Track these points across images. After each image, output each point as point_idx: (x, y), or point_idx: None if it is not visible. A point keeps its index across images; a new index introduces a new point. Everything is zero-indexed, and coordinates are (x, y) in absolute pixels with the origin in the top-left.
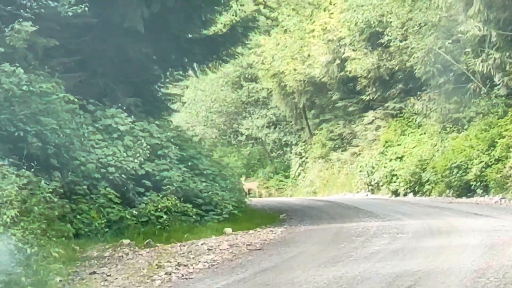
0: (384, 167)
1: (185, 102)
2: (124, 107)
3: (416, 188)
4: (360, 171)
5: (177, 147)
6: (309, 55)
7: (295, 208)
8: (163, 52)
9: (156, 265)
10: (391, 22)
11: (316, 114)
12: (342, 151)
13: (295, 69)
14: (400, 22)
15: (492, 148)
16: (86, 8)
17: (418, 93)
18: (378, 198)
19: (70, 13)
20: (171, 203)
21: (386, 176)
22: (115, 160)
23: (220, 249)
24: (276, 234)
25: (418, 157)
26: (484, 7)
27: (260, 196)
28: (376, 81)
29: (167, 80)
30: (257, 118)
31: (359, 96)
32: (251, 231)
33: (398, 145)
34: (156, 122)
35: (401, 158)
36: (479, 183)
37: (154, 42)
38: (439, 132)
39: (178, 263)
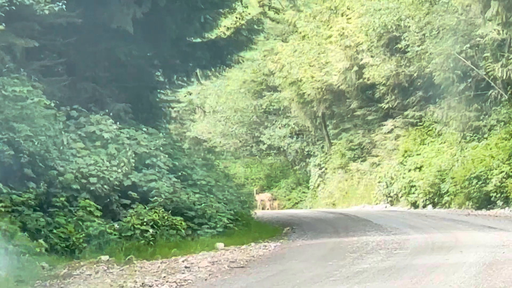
0: (403, 177)
1: (206, 112)
2: (111, 114)
3: (435, 200)
4: (379, 182)
5: (167, 156)
6: (326, 62)
7: (304, 221)
8: (161, 56)
9: (120, 285)
10: (409, 26)
11: (336, 124)
12: (361, 161)
13: (312, 77)
14: (418, 27)
15: None
16: (64, 7)
17: (437, 100)
18: (395, 210)
19: (47, 11)
20: (159, 216)
21: (405, 187)
22: (97, 170)
23: (199, 267)
24: (268, 250)
25: (437, 167)
26: (503, 9)
27: (273, 208)
28: (395, 89)
29: (167, 86)
30: (279, 128)
31: (378, 104)
32: (244, 246)
33: (417, 154)
34: (148, 129)
35: (420, 168)
36: (499, 195)
37: (149, 45)
38: (459, 141)
39: (143, 283)
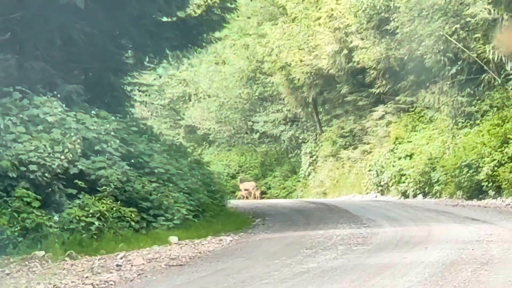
0: (393, 166)
1: (199, 96)
2: (62, 96)
3: (426, 189)
4: (369, 171)
5: (118, 142)
6: (316, 45)
7: (282, 211)
8: (127, 36)
9: (28, 287)
10: (398, 7)
11: (327, 110)
12: (353, 149)
13: (301, 60)
14: (407, 7)
15: (505, 145)
16: None
17: (428, 84)
18: (383, 200)
19: None
20: (106, 207)
21: (395, 176)
22: (38, 157)
23: (131, 265)
24: (221, 245)
25: (428, 155)
26: None
27: (255, 197)
28: (386, 73)
29: (134, 68)
30: (273, 113)
31: (369, 90)
32: (198, 241)
33: (408, 142)
34: (100, 112)
35: (410, 156)
36: (491, 184)
37: (108, 22)
38: (451, 128)
39: (54, 285)
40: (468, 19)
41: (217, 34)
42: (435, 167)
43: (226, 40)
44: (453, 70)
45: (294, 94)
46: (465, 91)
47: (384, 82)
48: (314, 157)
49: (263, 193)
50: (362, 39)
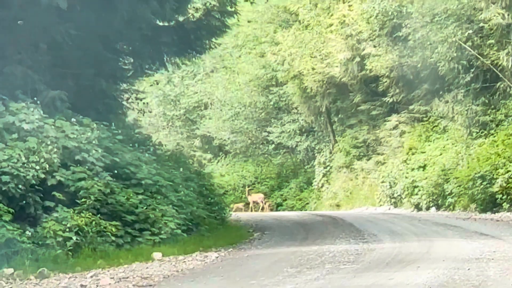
0: (406, 177)
1: (215, 106)
2: (44, 102)
3: (439, 202)
4: (382, 182)
5: (100, 151)
6: (328, 53)
7: (284, 225)
8: (117, 40)
9: None
10: (411, 12)
11: (341, 119)
12: (366, 159)
13: (313, 69)
14: (420, 13)
15: None
16: None
17: (441, 93)
18: (394, 213)
19: None
20: (85, 220)
21: (408, 187)
22: (11, 167)
23: (97, 286)
24: (205, 262)
25: (441, 166)
26: None
27: (263, 209)
28: (399, 81)
29: (129, 74)
30: (288, 123)
31: (382, 98)
32: (182, 257)
33: (422, 152)
34: (83, 119)
35: (423, 167)
36: (505, 196)
37: (97, 25)
38: (465, 138)
39: None
40: (481, 24)
41: (219, 39)
42: (449, 178)
43: (243, 49)
44: (467, 78)
45: (307, 104)
46: (479, 99)
47: (397, 90)
48: (328, 168)
49: (278, 205)
50: (374, 46)
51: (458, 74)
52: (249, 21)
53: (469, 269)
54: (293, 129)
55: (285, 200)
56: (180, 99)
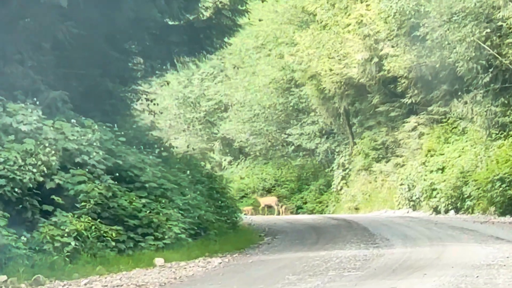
0: (424, 180)
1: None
2: (45, 103)
3: (458, 205)
4: (401, 185)
5: (101, 153)
6: (346, 54)
7: (298, 229)
8: (124, 40)
9: None
10: (428, 12)
11: (360, 121)
12: (385, 162)
13: (331, 69)
14: (438, 12)
15: None
16: None
17: (460, 94)
18: (412, 216)
19: None
20: (85, 225)
21: (426, 190)
22: (7, 170)
23: None
24: (206, 268)
25: (460, 169)
26: None
27: (279, 213)
28: (418, 82)
29: (137, 74)
30: (308, 124)
31: (401, 100)
32: (184, 263)
33: (441, 154)
34: (85, 121)
35: (442, 169)
36: None
37: (101, 24)
38: (484, 139)
39: None
40: (500, 23)
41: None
42: (468, 181)
43: (262, 50)
44: (486, 79)
45: (325, 105)
46: (499, 100)
47: (416, 91)
48: (347, 170)
49: (298, 208)
50: (392, 46)
51: (477, 75)
52: (260, 20)
53: (477, 276)
54: (312, 131)
55: (305, 203)
56: (200, 101)
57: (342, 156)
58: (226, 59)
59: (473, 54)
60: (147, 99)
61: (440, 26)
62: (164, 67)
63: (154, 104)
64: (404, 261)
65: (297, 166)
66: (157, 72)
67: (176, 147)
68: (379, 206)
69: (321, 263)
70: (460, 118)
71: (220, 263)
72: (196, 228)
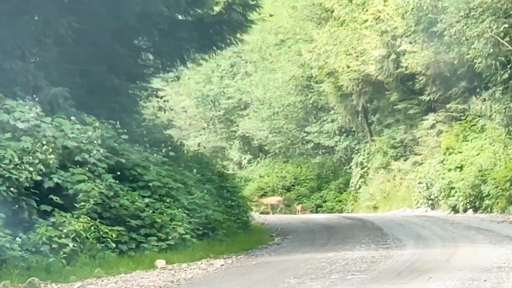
0: (442, 178)
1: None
2: (46, 100)
3: (477, 204)
4: (419, 183)
5: (101, 151)
6: (363, 50)
7: (311, 228)
8: (132, 36)
9: None
10: (446, 7)
11: (379, 119)
12: (404, 160)
13: (348, 66)
14: (456, 7)
15: None
16: None
17: (478, 91)
18: (429, 216)
19: None
20: (84, 226)
21: (444, 189)
22: (3, 169)
23: None
24: (207, 270)
25: (478, 167)
26: None
27: (297, 212)
28: (436, 79)
29: (145, 70)
30: (327, 122)
31: (419, 97)
32: (185, 265)
33: (459, 152)
34: (86, 117)
35: (460, 168)
36: None
37: (106, 19)
38: (504, 137)
39: None
40: None
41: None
42: (486, 179)
43: (282, 47)
44: (505, 75)
45: (343, 103)
46: None
47: (434, 88)
48: (365, 169)
49: (318, 207)
50: (410, 42)
51: (496, 71)
52: (271, 15)
53: (485, 280)
54: (332, 129)
55: (325, 201)
56: (220, 98)
57: (360, 155)
58: (246, 56)
59: (492, 50)
60: (157, 96)
61: (458, 21)
62: (174, 63)
63: (164, 101)
64: (412, 263)
65: (317, 164)
66: (167, 68)
67: (190, 146)
68: (398, 205)
69: (326, 265)
70: (479, 116)
71: (223, 265)
72: (202, 228)
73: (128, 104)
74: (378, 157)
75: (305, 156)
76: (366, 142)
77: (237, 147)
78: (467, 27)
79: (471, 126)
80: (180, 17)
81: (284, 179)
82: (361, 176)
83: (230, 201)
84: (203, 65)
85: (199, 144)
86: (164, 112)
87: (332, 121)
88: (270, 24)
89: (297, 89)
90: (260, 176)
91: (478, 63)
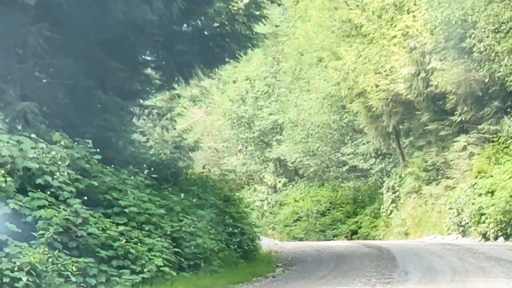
0: (472, 204)
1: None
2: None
3: (508, 231)
4: (450, 209)
5: (67, 173)
6: (392, 68)
7: (322, 257)
8: (122, 48)
9: None
10: (476, 22)
11: (411, 141)
12: (436, 184)
13: (377, 85)
14: (487, 22)
15: None
16: None
17: (509, 110)
18: (456, 244)
19: None
20: (40, 258)
21: (474, 215)
22: None
23: None
24: None
25: (510, 192)
26: None
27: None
28: (468, 98)
29: (138, 85)
30: (363, 144)
31: (450, 117)
32: None
33: (491, 176)
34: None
35: (492, 192)
36: None
37: (88, 27)
38: None
39: None
40: None
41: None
42: None
43: (318, 65)
44: None
45: (373, 124)
46: None
47: (465, 108)
48: (397, 193)
49: (353, 233)
50: (440, 60)
51: None
52: (276, 26)
53: None
54: (368, 151)
55: (360, 228)
56: (254, 120)
57: (392, 179)
58: (281, 76)
59: None
60: (158, 114)
61: (488, 36)
62: (175, 78)
63: (166, 118)
64: None
65: (353, 188)
66: (165, 85)
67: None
68: (429, 231)
69: None
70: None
71: None
72: (192, 258)
73: (116, 123)
74: (410, 181)
75: (340, 179)
76: (397, 165)
77: (271, 170)
78: (497, 41)
79: (504, 148)
80: (176, 28)
81: (319, 203)
82: (393, 201)
83: (231, 228)
84: (237, 83)
85: (203, 167)
86: (167, 132)
87: (367, 142)
88: (304, 42)
89: (332, 109)
90: (295, 200)
91: (510, 81)
